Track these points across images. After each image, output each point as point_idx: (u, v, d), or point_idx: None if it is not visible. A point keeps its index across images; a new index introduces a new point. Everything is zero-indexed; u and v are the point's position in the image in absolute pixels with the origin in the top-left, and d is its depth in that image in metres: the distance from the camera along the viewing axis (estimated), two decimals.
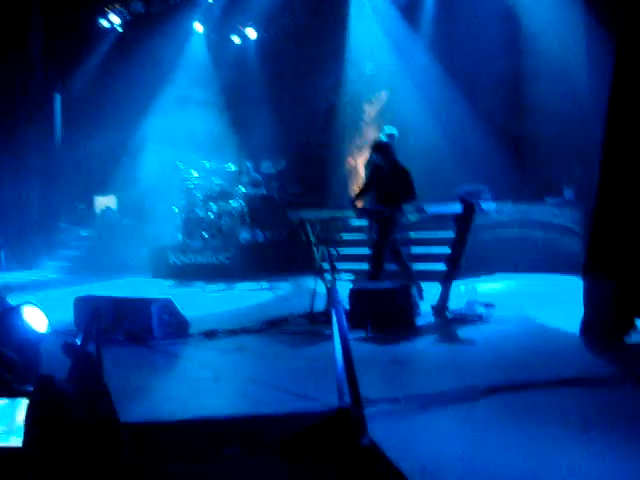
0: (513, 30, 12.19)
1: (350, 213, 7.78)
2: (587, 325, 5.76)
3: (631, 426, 3.88)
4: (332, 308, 4.12)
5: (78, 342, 4.04)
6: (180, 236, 13.28)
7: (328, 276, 7.89)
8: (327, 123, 15.84)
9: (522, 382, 4.72)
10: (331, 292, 4.21)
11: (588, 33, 10.40)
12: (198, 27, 16.27)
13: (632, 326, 5.52)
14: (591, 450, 3.55)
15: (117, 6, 15.92)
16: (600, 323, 5.67)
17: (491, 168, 10.95)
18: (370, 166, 9.09)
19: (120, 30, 16.38)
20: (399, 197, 8.05)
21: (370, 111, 15.47)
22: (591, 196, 6.59)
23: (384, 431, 3.78)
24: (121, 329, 7.07)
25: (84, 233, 16.31)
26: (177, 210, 13.52)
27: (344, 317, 4.05)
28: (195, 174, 13.57)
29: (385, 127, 11.33)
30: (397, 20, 14.29)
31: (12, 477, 2.88)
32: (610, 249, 5.74)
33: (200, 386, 5.42)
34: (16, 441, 2.92)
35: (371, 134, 15.11)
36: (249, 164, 13.69)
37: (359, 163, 15.49)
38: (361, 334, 6.57)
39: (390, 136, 11.84)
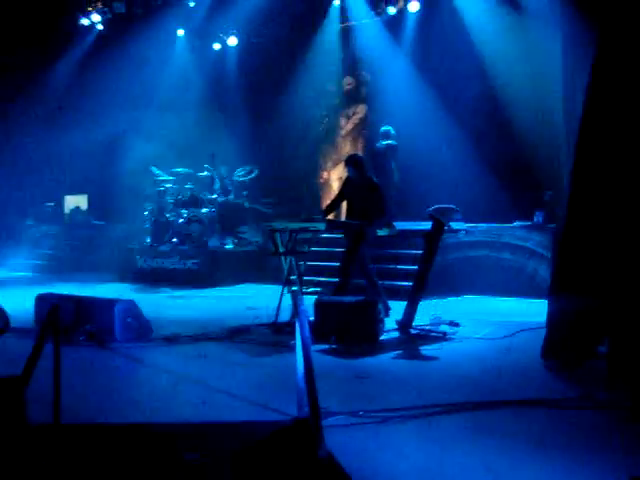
0: (489, 54, 12.33)
1: (320, 225, 7.75)
2: (549, 347, 5.80)
3: (589, 445, 3.93)
4: (296, 318, 4.10)
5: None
6: (149, 239, 13.16)
7: (295, 287, 7.87)
8: (303, 135, 15.87)
9: (482, 401, 4.73)
10: (296, 302, 4.18)
11: (563, 60, 10.53)
12: (180, 31, 16.21)
13: (593, 351, 5.57)
14: (550, 468, 3.59)
15: (99, 5, 15.81)
16: (562, 346, 5.71)
17: (464, 189, 11.04)
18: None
19: (101, 29, 16.23)
20: (370, 212, 8.09)
21: (346, 125, 15.54)
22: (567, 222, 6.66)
23: (342, 443, 3.76)
24: (82, 329, 6.98)
25: (52, 232, 16.09)
26: (147, 213, 13.40)
27: (307, 327, 4.02)
28: (167, 178, 13.48)
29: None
30: (378, 37, 14.37)
31: None
32: (575, 274, 5.79)
33: (160, 391, 5.36)
34: None
35: (346, 148, 15.18)
36: (222, 171, 13.63)
37: (332, 177, 15.54)
38: (325, 346, 6.55)
39: (385, 134, 11.99)
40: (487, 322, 7.97)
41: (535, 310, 7.81)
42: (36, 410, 3.85)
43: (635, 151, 5.58)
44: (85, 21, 16.13)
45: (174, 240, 12.75)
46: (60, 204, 17.08)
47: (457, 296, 9.89)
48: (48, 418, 3.87)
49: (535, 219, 10.38)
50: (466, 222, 7.89)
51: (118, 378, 5.83)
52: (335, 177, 15.47)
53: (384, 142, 12.21)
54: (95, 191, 16.68)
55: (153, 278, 12.24)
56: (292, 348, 6.59)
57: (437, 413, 4.50)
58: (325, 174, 15.71)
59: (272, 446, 3.71)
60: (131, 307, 7.17)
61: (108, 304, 7.12)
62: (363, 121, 15.20)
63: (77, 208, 16.61)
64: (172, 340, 6.95)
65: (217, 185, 13.30)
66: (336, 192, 14.59)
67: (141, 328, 7.13)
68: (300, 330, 3.96)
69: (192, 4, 15.36)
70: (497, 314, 8.58)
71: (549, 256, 9.67)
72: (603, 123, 5.78)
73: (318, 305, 7.04)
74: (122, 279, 12.61)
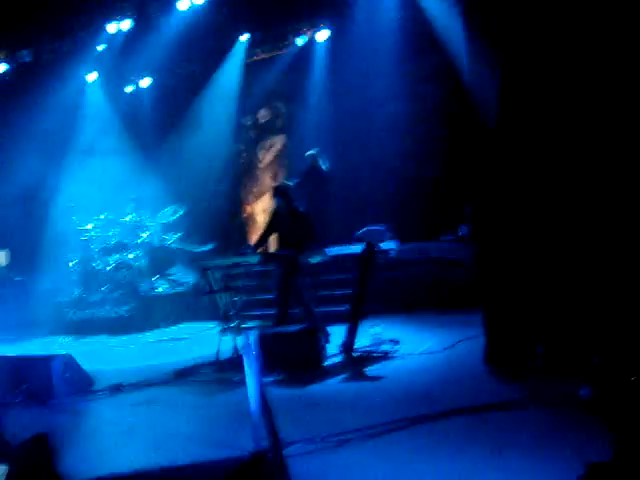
0: (401, 74, 12.69)
1: (252, 259, 7.78)
2: (490, 353, 5.97)
3: (544, 441, 4.08)
4: (242, 353, 4.11)
5: None
6: (77, 291, 12.85)
7: (233, 323, 7.85)
8: (223, 171, 15.89)
9: (434, 413, 4.83)
10: (241, 337, 4.20)
11: (472, 72, 10.96)
12: (91, 76, 16.01)
13: (533, 352, 5.76)
14: (509, 468, 3.70)
15: (2, 55, 15.44)
16: (502, 351, 5.89)
17: (391, 209, 11.28)
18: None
19: (6, 78, 15.87)
20: (300, 241, 8.17)
21: (265, 158, 15.65)
22: (483, 230, 6.89)
23: (304, 472, 3.78)
24: (19, 390, 6.76)
25: None
26: (73, 264, 13.10)
27: (254, 360, 4.04)
28: (90, 227, 13.23)
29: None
30: (289, 68, 14.60)
31: None
32: (506, 279, 6.00)
33: (109, 443, 5.25)
34: None
35: (267, 180, 15.28)
36: (145, 214, 13.48)
37: (256, 210, 15.59)
38: (271, 378, 6.55)
39: (312, 156, 12.04)
40: (426, 337, 8.11)
41: (471, 320, 7.99)
42: None
43: (547, 154, 5.86)
44: None
45: (103, 288, 12.49)
46: None
47: (394, 314, 10.03)
48: None
49: (460, 232, 10.69)
50: (394, 241, 8.06)
51: (63, 436, 5.67)
52: (259, 210, 15.52)
53: (325, 165, 12.22)
54: (14, 246, 16.17)
55: (85, 328, 11.95)
56: (238, 384, 6.58)
57: (392, 430, 4.57)
58: (249, 208, 15.74)
59: None
60: (68, 361, 6.98)
61: (44, 361, 6.92)
62: (282, 152, 15.35)
63: None
64: (115, 390, 6.81)
65: (142, 229, 13.14)
66: (261, 225, 14.74)
67: (81, 381, 6.96)
68: (249, 365, 3.98)
69: (100, 48, 15.22)
70: (435, 327, 8.75)
71: (475, 266, 9.93)
72: (513, 136, 6.05)
73: (259, 338, 7.01)
74: (53, 333, 12.26)
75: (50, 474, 3.19)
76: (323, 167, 11.95)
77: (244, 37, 14.75)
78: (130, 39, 14.79)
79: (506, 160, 6.12)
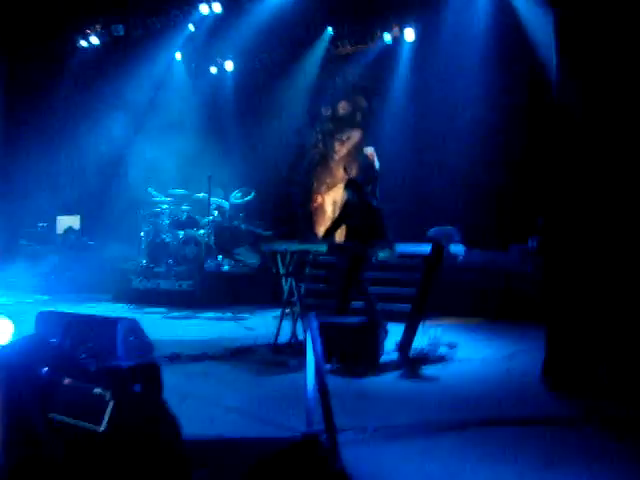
0: (488, 81, 12.56)
1: (321, 247, 7.84)
2: (549, 368, 5.90)
3: (592, 464, 4.01)
4: (308, 333, 4.18)
5: None
6: (144, 261, 13.18)
7: (295, 309, 7.92)
8: (297, 159, 16.04)
9: (485, 419, 4.81)
10: (308, 318, 4.25)
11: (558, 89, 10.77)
12: (178, 55, 16.41)
13: (594, 371, 5.67)
14: None
15: (98, 28, 16.00)
16: (561, 367, 5.82)
17: (460, 214, 11.19)
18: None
19: (100, 50, 16.41)
20: (369, 235, 8.19)
21: (340, 150, 15.71)
22: (554, 246, 6.80)
23: (352, 459, 3.82)
24: (83, 348, 6.97)
25: (45, 252, 16.05)
26: (143, 234, 13.44)
27: (320, 345, 4.10)
28: (164, 200, 13.53)
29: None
30: (374, 63, 14.61)
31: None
32: (573, 296, 5.91)
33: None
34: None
35: (340, 173, 15.34)
36: (218, 193, 13.71)
37: (327, 201, 15.68)
38: (327, 367, 6.60)
39: (367, 154, 12.02)
40: (485, 345, 8.06)
41: (532, 333, 7.90)
42: None
43: (629, 176, 5.75)
44: (83, 43, 16.31)
45: (170, 261, 12.77)
46: (53, 224, 17.08)
47: (454, 319, 9.98)
48: None
49: (529, 244, 10.53)
50: (462, 245, 8.00)
51: None
52: (329, 201, 15.61)
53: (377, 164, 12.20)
54: (89, 212, 16.69)
55: (148, 299, 12.23)
56: (293, 368, 6.68)
57: (443, 430, 4.58)
58: (319, 198, 15.85)
59: (283, 462, 3.77)
60: (133, 325, 7.15)
61: (110, 322, 7.11)
62: (357, 146, 15.37)
63: (70, 228, 16.60)
64: (174, 359, 6.98)
65: (213, 207, 13.36)
66: (330, 216, 14.82)
67: (142, 347, 7.11)
68: (313, 346, 4.04)
69: (192, 28, 15.56)
70: (494, 336, 8.68)
71: (543, 281, 9.79)
72: (596, 155, 5.96)
73: (320, 326, 7.08)
74: (117, 299, 12.60)
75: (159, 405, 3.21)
76: (376, 166, 11.93)
77: (330, 29, 14.82)
78: (219, 21, 15.08)
79: (585, 178, 6.03)
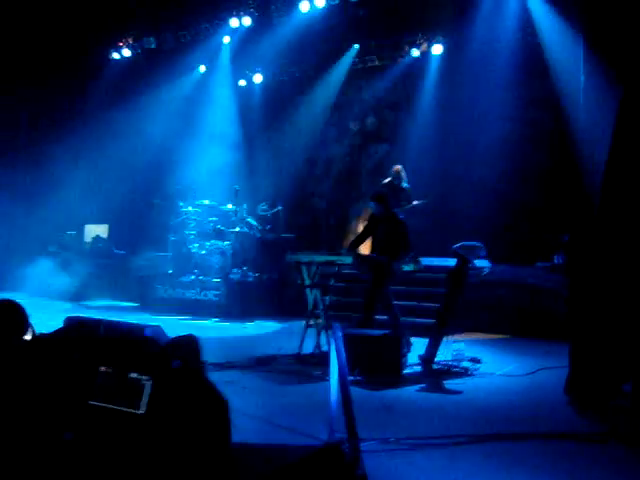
0: (515, 96, 12.58)
1: (346, 259, 7.89)
2: (572, 384, 5.88)
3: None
4: (332, 343, 4.22)
5: None
6: (171, 270, 13.33)
7: (320, 320, 7.97)
8: (324, 173, 16.12)
9: (508, 434, 4.82)
10: (332, 328, 4.30)
11: (585, 105, 10.78)
12: (202, 68, 16.64)
13: (617, 389, 5.64)
14: None
15: (130, 40, 16.30)
16: (586, 383, 5.79)
17: (486, 229, 11.18)
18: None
19: (132, 62, 16.72)
20: (394, 248, 8.22)
21: (367, 163, 15.76)
22: (580, 262, 6.79)
23: (374, 468, 3.85)
24: None
25: (73, 259, 16.28)
26: (170, 244, 13.58)
27: (344, 354, 4.14)
28: (191, 210, 13.66)
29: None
30: (401, 78, 14.68)
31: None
32: (598, 313, 5.89)
33: None
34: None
35: (367, 186, 15.37)
36: (245, 206, 13.80)
37: (351, 215, 15.72)
38: (350, 378, 6.62)
39: (395, 172, 11.99)
40: (508, 360, 8.04)
41: (556, 350, 7.88)
42: None
43: None
44: (116, 55, 16.61)
45: (196, 271, 12.90)
46: (81, 233, 17.33)
47: (478, 333, 9.97)
48: None
49: (555, 261, 10.49)
50: (487, 260, 8.01)
51: None
52: (355, 214, 15.64)
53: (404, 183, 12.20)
54: (117, 221, 16.91)
55: (173, 308, 12.36)
56: (317, 378, 6.73)
57: (465, 443, 4.59)
58: (345, 211, 15.88)
59: (304, 469, 3.81)
60: (159, 332, 7.27)
61: (137, 328, 7.22)
62: (385, 160, 15.41)
63: (98, 236, 16.84)
64: None
65: (240, 218, 13.46)
66: (355, 229, 14.85)
67: None
68: (337, 356, 4.09)
69: (227, 40, 15.77)
70: (518, 353, 8.65)
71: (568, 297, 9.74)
72: (627, 172, 5.94)
73: (345, 337, 7.11)
74: (142, 308, 12.76)
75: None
76: (403, 185, 11.87)
77: (358, 44, 14.93)
78: (249, 34, 15.27)
79: (614, 196, 6.02)
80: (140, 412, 2.83)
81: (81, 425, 2.87)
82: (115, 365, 3.06)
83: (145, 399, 2.84)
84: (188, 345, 3.39)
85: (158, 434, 2.80)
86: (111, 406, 2.90)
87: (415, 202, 11.50)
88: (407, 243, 8.25)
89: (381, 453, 4.31)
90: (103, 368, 3.05)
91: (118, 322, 7.86)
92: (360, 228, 10.41)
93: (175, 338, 3.46)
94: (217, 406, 3.20)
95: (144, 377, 2.91)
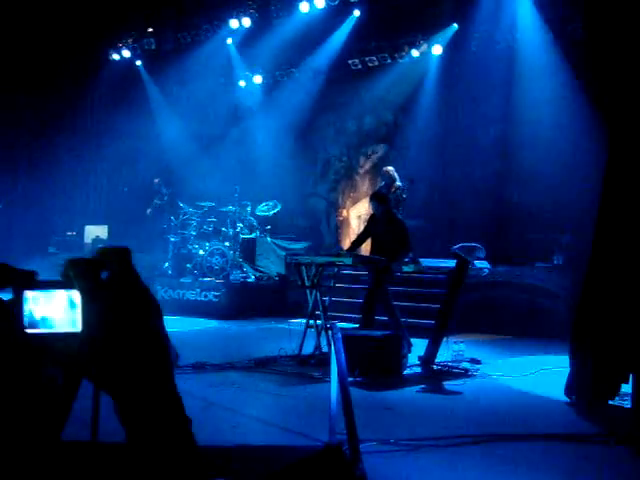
0: (508, 98, 12.59)
1: (347, 260, 7.88)
2: (572, 385, 5.88)
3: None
4: (332, 345, 4.22)
5: None
6: (170, 271, 13.33)
7: (319, 321, 7.96)
8: (323, 173, 16.13)
9: (508, 435, 4.82)
10: (332, 330, 4.30)
11: (582, 109, 10.78)
12: (203, 68, 16.63)
13: (617, 390, 5.64)
14: None
15: (130, 42, 16.32)
16: (585, 384, 5.80)
17: (486, 230, 11.20)
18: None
19: (135, 63, 16.76)
20: (393, 248, 8.23)
21: (365, 164, 15.77)
22: (579, 263, 6.80)
23: (375, 469, 3.86)
24: None
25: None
26: (170, 245, 13.58)
27: (343, 356, 4.15)
28: (191, 211, 13.66)
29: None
30: (400, 78, 14.67)
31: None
32: (598, 314, 5.90)
33: (191, 415, 5.46)
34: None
35: (365, 187, 15.39)
36: (245, 206, 13.80)
37: (351, 215, 15.74)
38: (350, 379, 6.62)
39: (387, 173, 11.97)
40: (509, 361, 8.05)
41: (556, 350, 7.89)
42: (72, 429, 3.95)
43: None
44: (116, 56, 16.63)
45: (196, 272, 12.90)
46: (81, 233, 17.34)
47: (478, 334, 9.97)
48: (85, 437, 3.97)
49: (555, 261, 10.50)
50: (487, 261, 8.00)
51: None
52: (354, 215, 15.67)
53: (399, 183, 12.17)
54: (117, 222, 16.94)
55: (174, 308, 12.35)
56: (317, 379, 6.73)
57: (465, 444, 4.59)
58: (344, 212, 15.90)
59: (304, 470, 3.82)
60: None
61: None
62: (382, 160, 15.41)
63: (98, 237, 16.85)
64: (199, 368, 7.06)
65: (240, 220, 13.47)
66: (355, 229, 14.88)
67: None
68: (336, 358, 4.09)
69: (229, 42, 15.78)
70: (518, 353, 8.66)
71: (568, 298, 9.76)
72: (626, 177, 5.95)
73: (344, 338, 7.11)
74: None
75: None
76: (396, 184, 11.82)
77: (358, 45, 14.91)
78: (249, 35, 15.28)
79: (614, 196, 6.03)
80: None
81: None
82: None
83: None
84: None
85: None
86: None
87: (399, 183, 11.46)
88: (407, 243, 8.26)
89: (381, 454, 4.31)
90: None
91: None
92: (361, 228, 10.41)
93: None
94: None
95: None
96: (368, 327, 8.01)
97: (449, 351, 7.63)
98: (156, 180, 15.06)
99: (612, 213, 6.03)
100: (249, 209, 13.82)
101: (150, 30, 16.17)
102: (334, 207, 16.01)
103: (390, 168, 12.03)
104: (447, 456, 4.37)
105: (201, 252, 13.02)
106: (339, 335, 4.26)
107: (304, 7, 14.18)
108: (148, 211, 14.92)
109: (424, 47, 14.11)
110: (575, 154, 11.31)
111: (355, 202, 15.76)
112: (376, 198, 8.72)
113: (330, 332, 4.49)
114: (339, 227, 15.88)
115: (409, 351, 7.84)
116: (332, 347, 4.18)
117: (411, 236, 8.48)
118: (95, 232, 17.07)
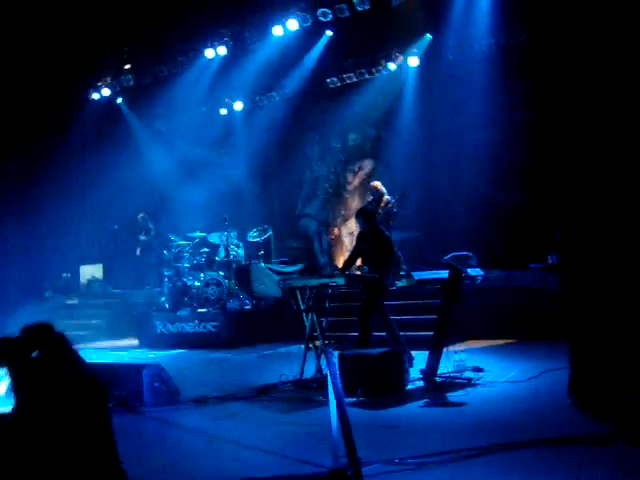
0: (495, 100, 12.63)
1: (339, 280, 7.86)
2: (575, 385, 5.85)
3: None
4: (328, 370, 4.20)
5: None
6: (167, 305, 13.28)
7: (318, 343, 7.93)
8: (311, 193, 16.15)
9: (514, 443, 4.78)
10: (327, 355, 4.28)
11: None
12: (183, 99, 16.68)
13: (621, 387, 5.61)
14: None
15: (108, 80, 16.36)
16: (587, 384, 5.77)
17: (477, 235, 11.19)
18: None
19: (114, 101, 16.81)
20: (384, 264, 8.23)
21: (353, 181, 15.79)
22: (574, 261, 6.78)
23: None
24: (111, 395, 7.04)
25: (70, 302, 16.24)
26: (165, 279, 13.55)
27: (339, 380, 4.12)
28: (183, 243, 13.65)
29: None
30: (380, 92, 14.73)
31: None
32: (595, 312, 5.88)
33: (194, 452, 5.42)
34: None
35: (354, 203, 15.40)
36: (233, 234, 13.77)
37: (343, 232, 15.73)
38: (352, 399, 6.60)
39: (373, 187, 12.00)
40: (510, 366, 8.01)
41: (557, 350, 7.85)
42: None
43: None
44: (95, 95, 16.67)
45: (193, 304, 12.86)
46: (76, 274, 17.31)
47: (478, 342, 9.94)
48: None
49: (549, 261, 10.46)
50: (481, 268, 7.99)
51: (151, 442, 5.88)
52: (346, 232, 15.66)
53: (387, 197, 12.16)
54: (110, 260, 16.92)
55: (173, 342, 12.32)
56: (320, 403, 6.68)
57: (472, 456, 4.55)
58: (335, 230, 15.90)
59: None
60: (158, 371, 7.26)
61: (136, 369, 7.21)
62: (370, 175, 15.44)
63: (93, 277, 16.83)
64: (200, 402, 7.02)
65: (232, 247, 13.45)
66: (348, 247, 14.86)
67: (169, 391, 7.20)
68: (333, 383, 4.07)
69: (205, 70, 15.82)
70: (520, 357, 8.63)
71: (565, 296, 9.71)
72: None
73: (343, 359, 7.10)
74: (142, 345, 12.71)
75: None
76: (385, 198, 11.84)
77: (334, 63, 14.98)
78: (226, 63, 15.34)
79: (603, 192, 6.04)
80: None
81: None
82: None
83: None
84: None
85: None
86: None
87: (387, 197, 11.49)
88: (389, 258, 8.28)
89: (386, 475, 4.27)
90: None
91: (116, 364, 7.79)
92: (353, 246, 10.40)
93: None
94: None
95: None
96: (366, 344, 7.98)
97: (451, 361, 7.60)
98: (140, 215, 15.14)
99: (597, 206, 6.04)
100: (238, 236, 13.81)
101: (127, 67, 16.22)
102: (325, 226, 16.01)
103: (377, 183, 12.06)
104: (452, 471, 4.32)
105: (196, 283, 12.99)
106: (334, 360, 4.23)
107: (277, 31, 14.24)
108: (138, 252, 14.97)
109: (400, 59, 14.17)
110: (561, 152, 11.33)
111: (346, 220, 15.77)
112: (362, 215, 8.73)
113: (327, 358, 4.46)
114: (332, 246, 15.86)
115: (410, 365, 7.81)
116: (328, 373, 4.15)
117: (405, 248, 8.49)
118: (90, 272, 17.06)
